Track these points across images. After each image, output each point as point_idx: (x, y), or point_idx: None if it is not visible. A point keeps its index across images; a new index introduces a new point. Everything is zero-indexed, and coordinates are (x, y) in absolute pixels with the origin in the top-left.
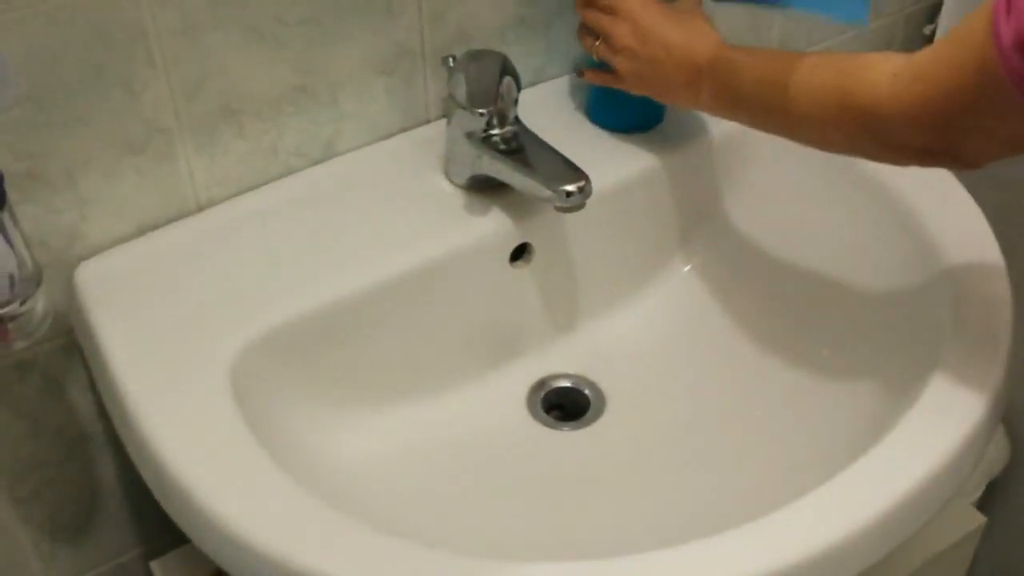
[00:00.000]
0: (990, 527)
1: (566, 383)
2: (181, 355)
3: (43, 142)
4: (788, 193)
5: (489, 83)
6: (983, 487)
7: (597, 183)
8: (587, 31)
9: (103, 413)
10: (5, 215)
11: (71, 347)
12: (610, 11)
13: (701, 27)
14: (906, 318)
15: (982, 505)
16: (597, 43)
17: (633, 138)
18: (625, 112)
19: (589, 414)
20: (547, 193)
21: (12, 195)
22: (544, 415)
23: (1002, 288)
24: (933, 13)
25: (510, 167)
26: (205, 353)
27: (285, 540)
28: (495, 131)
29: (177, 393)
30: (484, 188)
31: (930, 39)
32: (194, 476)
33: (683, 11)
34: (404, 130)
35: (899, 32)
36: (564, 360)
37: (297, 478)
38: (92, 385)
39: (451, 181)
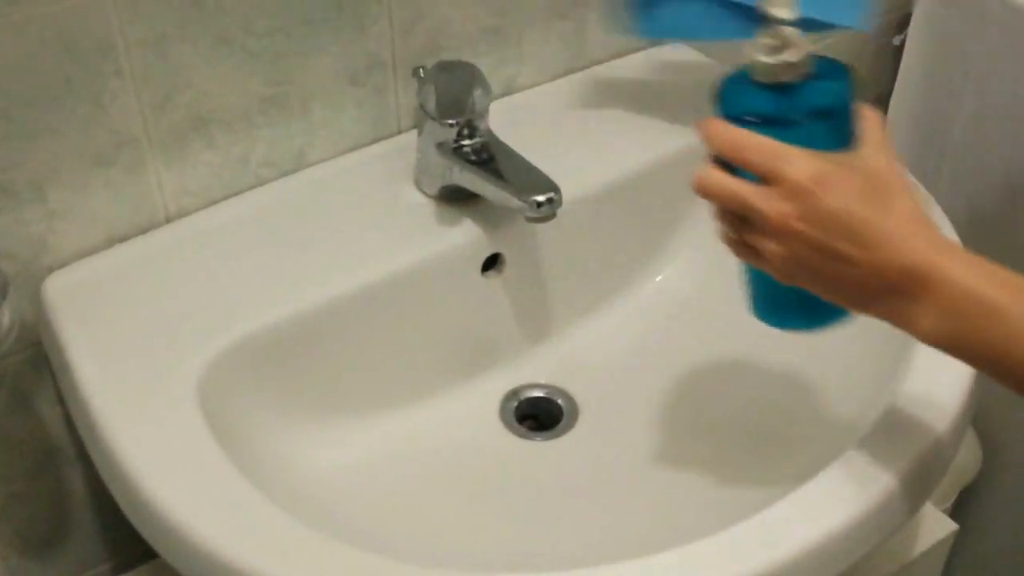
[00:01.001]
0: (962, 535)
1: (539, 393)
2: (150, 367)
3: (11, 153)
4: None
5: (459, 94)
6: (955, 494)
7: (568, 193)
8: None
9: (72, 426)
10: None
11: (39, 359)
12: (763, 177)
13: (906, 205)
14: (877, 325)
15: (954, 512)
16: (733, 234)
17: (606, 148)
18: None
19: (562, 424)
20: (518, 203)
21: None
22: (517, 425)
23: None
24: (902, 24)
25: (481, 177)
26: (174, 365)
27: (254, 554)
28: (466, 142)
29: (145, 406)
30: (455, 198)
31: (899, 49)
32: (162, 490)
33: (875, 175)
34: (375, 141)
35: (868, 44)
36: (537, 370)
37: (267, 491)
38: (60, 398)
39: (422, 192)
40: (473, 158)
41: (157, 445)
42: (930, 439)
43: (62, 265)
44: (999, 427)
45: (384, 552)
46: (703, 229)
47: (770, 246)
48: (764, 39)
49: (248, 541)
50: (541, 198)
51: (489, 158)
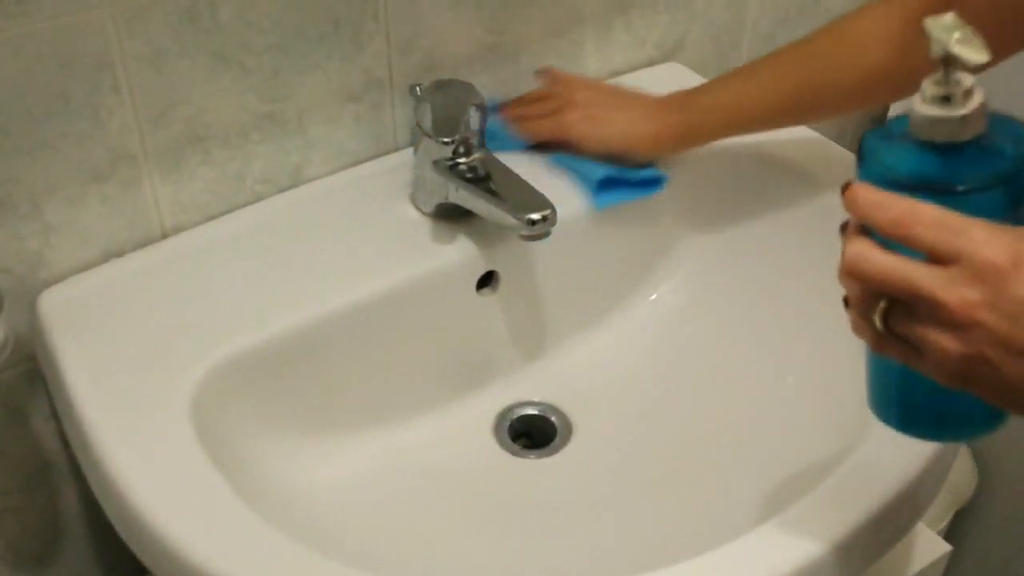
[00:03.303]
0: (957, 556)
1: (533, 411)
2: (144, 383)
3: (8, 168)
4: (753, 222)
5: (455, 112)
6: (950, 516)
7: (562, 212)
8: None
9: (65, 441)
10: None
11: (34, 374)
12: (938, 256)
13: None
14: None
15: (949, 534)
16: (881, 324)
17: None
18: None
19: (556, 441)
20: (513, 221)
21: None
22: (511, 443)
23: None
24: None
25: (476, 195)
26: (168, 381)
27: (245, 570)
28: (462, 160)
29: (139, 422)
30: (451, 216)
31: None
32: (154, 506)
33: None
34: (372, 158)
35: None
36: (531, 387)
37: (259, 507)
38: (54, 413)
39: (418, 209)
40: (469, 176)
41: (150, 461)
42: (923, 457)
43: (58, 280)
44: (994, 449)
45: (376, 570)
46: (698, 248)
47: (943, 341)
48: (933, 88)
49: (239, 558)
50: (536, 216)
51: (485, 176)
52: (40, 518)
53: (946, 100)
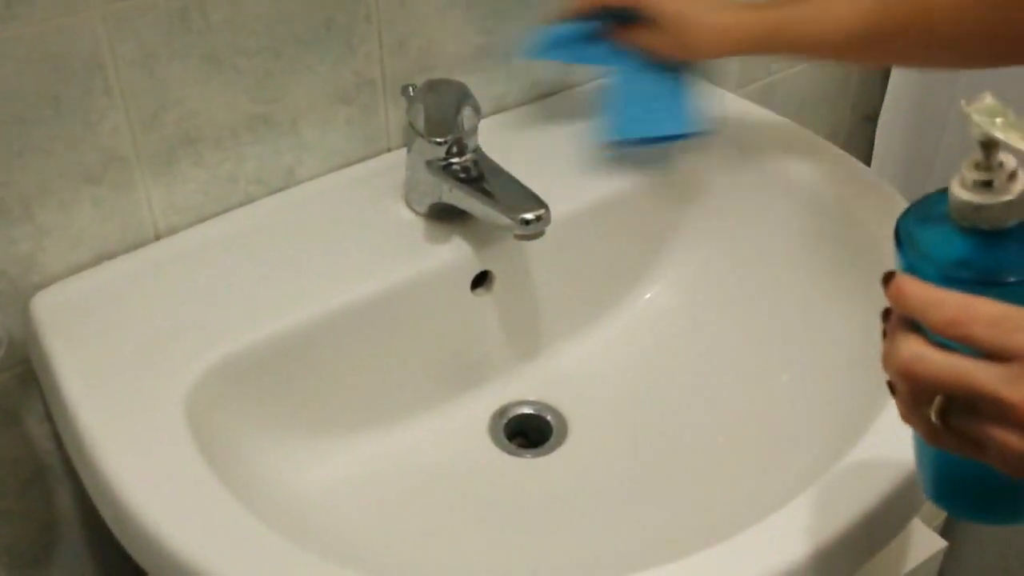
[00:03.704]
0: (952, 552)
1: (528, 410)
2: (138, 385)
3: (0, 172)
4: (747, 221)
5: (448, 112)
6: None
7: (556, 211)
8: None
9: (60, 444)
10: None
11: (27, 377)
12: (995, 354)
13: None
14: (863, 342)
15: (944, 530)
16: (939, 421)
17: (594, 166)
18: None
19: (552, 441)
20: (506, 221)
21: None
22: (506, 442)
23: None
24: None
25: (470, 195)
26: (162, 383)
27: (241, 572)
28: (455, 160)
29: (133, 424)
30: (445, 216)
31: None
32: (149, 508)
33: None
34: (365, 158)
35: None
36: (526, 387)
37: (254, 509)
38: (49, 415)
39: (412, 209)
40: (462, 176)
41: (145, 463)
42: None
43: (50, 283)
44: None
45: (373, 570)
46: (692, 247)
47: (1008, 439)
48: (974, 173)
49: (236, 559)
50: (530, 216)
51: (478, 176)
52: (35, 521)
53: (988, 185)
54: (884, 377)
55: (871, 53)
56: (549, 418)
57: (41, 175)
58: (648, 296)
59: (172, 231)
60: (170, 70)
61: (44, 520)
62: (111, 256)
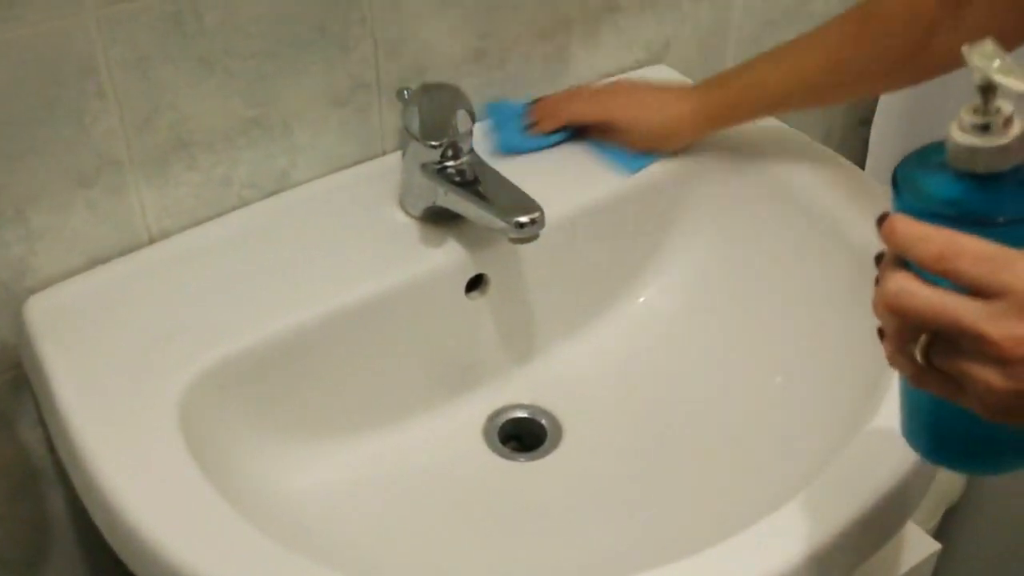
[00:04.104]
0: (946, 554)
1: (522, 413)
2: (131, 389)
3: None
4: (742, 224)
5: (443, 116)
6: (940, 514)
7: (551, 215)
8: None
9: (52, 448)
10: None
11: (20, 381)
12: (980, 290)
13: None
14: (857, 344)
15: (938, 533)
16: (922, 358)
17: (588, 170)
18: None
19: (546, 444)
20: (501, 224)
21: None
22: (500, 446)
23: None
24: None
25: (465, 198)
26: (155, 387)
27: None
28: (450, 163)
29: (126, 428)
30: (440, 219)
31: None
32: (141, 513)
33: None
34: (359, 162)
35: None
36: (520, 390)
37: (247, 513)
38: (41, 420)
39: (407, 212)
40: (457, 179)
41: (137, 467)
42: (910, 458)
43: (43, 287)
44: None
45: (365, 574)
46: (686, 250)
47: (988, 376)
48: (972, 117)
49: (228, 564)
50: (524, 219)
51: (473, 179)
52: (27, 525)
53: (985, 129)
54: (878, 378)
55: (825, 95)
56: (543, 422)
57: (34, 178)
58: (642, 299)
59: (165, 235)
60: (164, 73)
61: (36, 525)
62: (104, 260)
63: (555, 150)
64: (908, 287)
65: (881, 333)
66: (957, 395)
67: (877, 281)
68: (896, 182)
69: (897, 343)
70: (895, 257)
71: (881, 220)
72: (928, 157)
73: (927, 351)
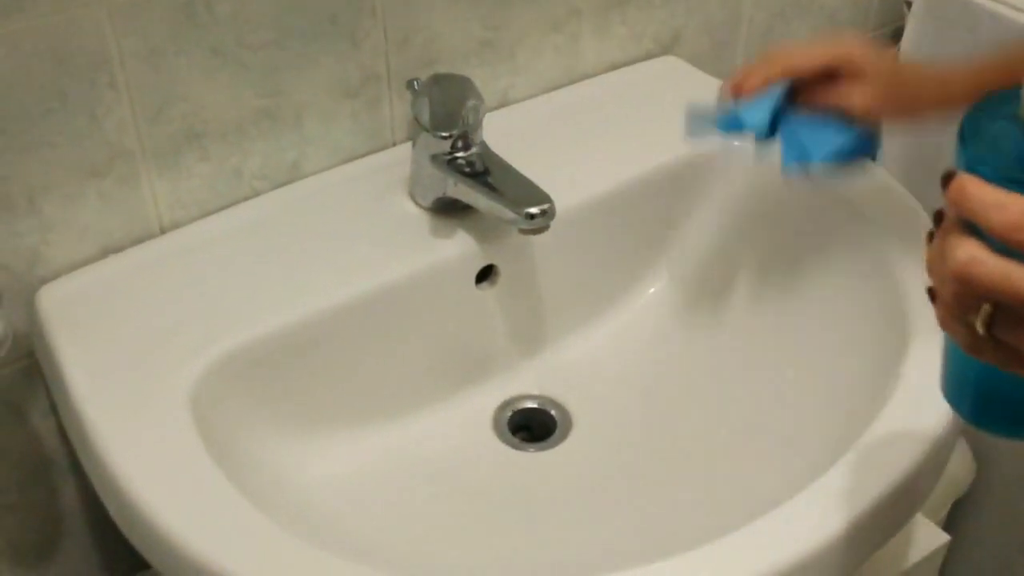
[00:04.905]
0: (955, 546)
1: (532, 404)
2: (143, 378)
3: (4, 166)
4: (753, 217)
5: (453, 106)
6: (948, 506)
7: (561, 206)
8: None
9: (65, 437)
10: None
11: (32, 370)
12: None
13: None
14: (868, 337)
15: (947, 524)
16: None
17: (598, 160)
18: None
19: (555, 435)
20: (511, 215)
21: None
22: (510, 436)
23: None
24: (896, 37)
25: (475, 189)
26: (167, 376)
27: (245, 565)
28: (460, 154)
29: (138, 417)
30: (450, 210)
31: None
32: (154, 501)
33: None
34: (369, 153)
35: None
36: (530, 381)
37: (259, 502)
38: (54, 409)
39: (417, 203)
40: (467, 170)
41: (150, 456)
42: (920, 448)
43: (56, 276)
44: (993, 440)
45: (377, 564)
46: (697, 242)
47: None
48: None
49: (240, 553)
50: (535, 210)
51: (483, 170)
52: (40, 515)
53: None
54: (888, 371)
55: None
56: (553, 412)
57: (46, 169)
58: (653, 291)
59: (177, 225)
60: (175, 64)
61: (48, 514)
62: (116, 250)
63: (566, 141)
64: (981, 256)
65: (931, 294)
66: (1013, 365)
67: (930, 237)
68: (963, 133)
69: (955, 310)
70: (960, 219)
71: (947, 179)
72: (999, 108)
73: (989, 322)
